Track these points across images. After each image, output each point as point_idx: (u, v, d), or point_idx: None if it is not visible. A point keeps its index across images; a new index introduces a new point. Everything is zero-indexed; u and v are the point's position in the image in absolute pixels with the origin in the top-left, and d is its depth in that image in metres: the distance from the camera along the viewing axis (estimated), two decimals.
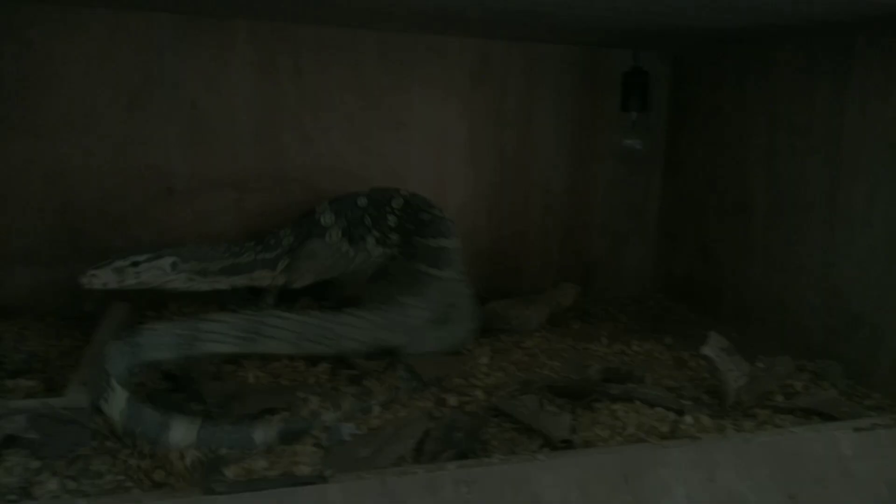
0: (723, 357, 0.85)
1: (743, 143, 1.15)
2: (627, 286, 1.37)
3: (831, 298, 0.99)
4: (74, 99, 1.07)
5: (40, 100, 1.05)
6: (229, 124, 1.14)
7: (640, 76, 1.25)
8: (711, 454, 0.68)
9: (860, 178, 0.94)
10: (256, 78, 1.14)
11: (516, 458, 0.65)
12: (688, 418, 0.77)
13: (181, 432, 0.66)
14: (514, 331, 1.08)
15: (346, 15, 1.08)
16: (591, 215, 1.34)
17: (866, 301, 0.94)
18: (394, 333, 0.92)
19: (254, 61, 1.14)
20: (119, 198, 1.10)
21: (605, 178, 1.33)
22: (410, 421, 0.72)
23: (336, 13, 1.06)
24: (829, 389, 0.90)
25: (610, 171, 1.33)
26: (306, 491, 0.55)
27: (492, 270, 1.29)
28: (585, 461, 0.64)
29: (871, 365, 0.92)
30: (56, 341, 0.96)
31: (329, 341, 0.88)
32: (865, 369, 0.93)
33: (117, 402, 0.67)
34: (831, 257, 0.99)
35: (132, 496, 0.57)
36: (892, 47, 0.90)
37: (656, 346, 1.05)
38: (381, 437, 0.69)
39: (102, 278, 0.91)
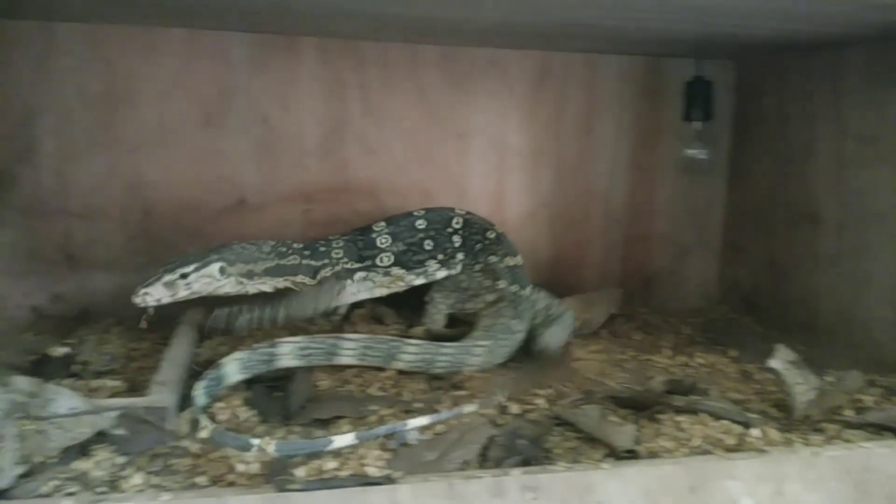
0: (790, 370, 0.84)
1: (810, 153, 1.13)
2: (690, 297, 1.35)
3: None
4: (154, 115, 1.13)
5: (122, 116, 1.12)
6: (297, 138, 1.19)
7: (703, 85, 1.25)
8: (780, 467, 0.67)
9: None
10: (323, 93, 1.18)
11: (581, 465, 0.65)
12: (755, 431, 0.76)
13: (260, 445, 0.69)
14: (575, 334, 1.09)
15: (408, 31, 1.11)
16: (652, 226, 1.33)
17: None
18: (504, 356, 0.96)
19: (321, 77, 1.18)
20: (194, 208, 1.16)
21: (666, 188, 1.32)
22: (474, 427, 0.74)
23: (399, 30, 1.09)
24: None
25: (672, 181, 1.32)
26: (376, 491, 0.57)
27: (552, 281, 1.29)
28: (651, 471, 0.64)
29: None
30: (135, 344, 1.01)
31: (448, 367, 0.91)
32: None
33: (205, 431, 0.71)
34: None
35: (212, 492, 0.60)
36: None
37: (721, 358, 1.04)
38: (445, 442, 0.71)
39: (155, 295, 0.91)
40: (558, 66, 1.25)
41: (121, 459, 0.68)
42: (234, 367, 0.83)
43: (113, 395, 0.81)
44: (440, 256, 1.07)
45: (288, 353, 0.87)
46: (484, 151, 1.25)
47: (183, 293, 0.93)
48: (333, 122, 1.20)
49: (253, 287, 0.99)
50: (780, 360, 0.84)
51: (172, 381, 0.79)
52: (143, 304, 0.90)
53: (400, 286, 1.07)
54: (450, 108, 1.23)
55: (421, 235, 1.07)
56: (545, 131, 1.27)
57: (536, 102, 1.26)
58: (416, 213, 1.08)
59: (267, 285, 1.00)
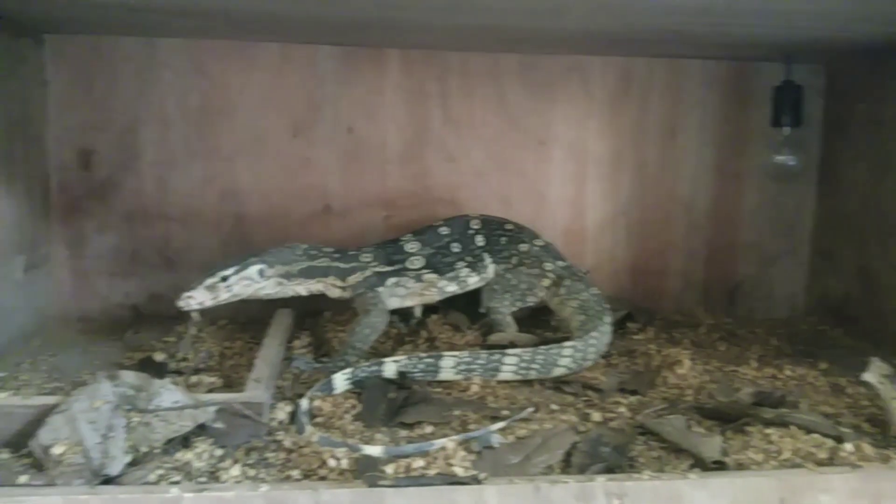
0: (885, 384, 0.81)
1: None
2: (776, 308, 1.31)
3: None
4: (247, 125, 1.18)
5: (218, 127, 1.18)
6: (380, 147, 1.22)
7: (792, 90, 1.21)
8: (876, 483, 0.65)
9: None
10: (406, 103, 1.21)
11: (667, 475, 0.65)
12: (848, 446, 0.74)
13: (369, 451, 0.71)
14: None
15: (491, 41, 1.13)
16: (737, 234, 1.30)
17: None
18: (596, 356, 0.98)
19: (404, 87, 1.21)
20: (283, 214, 1.21)
21: (753, 195, 1.29)
22: (557, 433, 0.74)
23: (482, 40, 1.11)
24: None
25: (758, 188, 1.29)
26: (464, 490, 0.58)
27: (631, 289, 1.28)
28: (740, 483, 0.63)
29: None
30: (229, 343, 1.06)
31: (547, 369, 0.92)
32: None
33: (310, 437, 0.73)
34: None
35: (307, 484, 0.62)
36: None
37: (810, 371, 1.01)
38: (528, 446, 0.72)
39: (198, 298, 0.93)
40: (641, 71, 1.24)
41: (219, 451, 0.72)
42: (390, 368, 0.87)
43: (210, 391, 0.86)
44: (468, 258, 1.08)
45: (451, 366, 0.89)
46: (563, 158, 1.26)
47: (224, 296, 0.95)
48: (415, 130, 1.22)
49: (291, 289, 1.01)
50: (875, 374, 0.81)
51: (266, 378, 0.83)
52: (186, 308, 0.94)
53: (432, 294, 1.08)
54: (530, 115, 1.24)
55: (447, 240, 1.09)
56: (626, 138, 1.26)
57: (618, 109, 1.25)
58: (435, 224, 1.11)
59: (303, 287, 1.02)
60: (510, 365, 0.91)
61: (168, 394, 0.74)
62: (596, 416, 0.83)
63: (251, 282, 0.97)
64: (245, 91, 1.17)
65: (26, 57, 1.08)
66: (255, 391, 0.78)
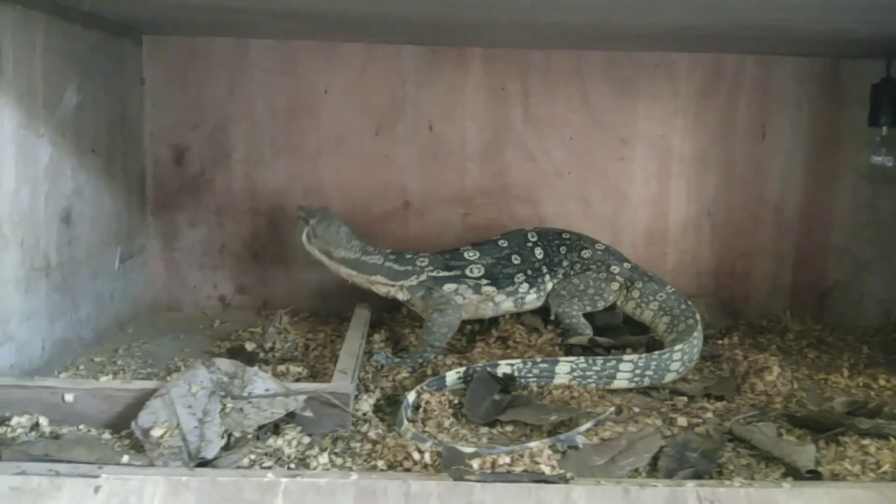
0: None
1: None
2: (868, 315, 1.25)
3: None
4: (331, 124, 1.21)
5: (303, 125, 1.21)
6: (460, 145, 1.23)
7: (892, 88, 1.15)
8: None
9: None
10: (486, 101, 1.21)
11: (760, 482, 0.63)
12: None
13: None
14: None
15: (575, 38, 1.12)
16: (828, 237, 1.25)
17: None
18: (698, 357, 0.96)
19: (485, 86, 1.21)
20: (364, 211, 1.23)
21: (846, 197, 1.23)
22: (643, 436, 0.73)
23: (566, 38, 1.10)
24: None
25: (852, 189, 1.23)
26: (551, 489, 0.58)
27: (714, 293, 1.25)
28: (838, 493, 0.61)
29: None
30: (311, 335, 1.09)
31: (660, 376, 0.90)
32: None
33: (408, 433, 0.74)
34: None
35: (396, 475, 0.63)
36: None
37: None
38: (614, 448, 0.71)
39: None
40: (730, 68, 1.21)
41: (306, 439, 0.74)
42: (504, 369, 0.87)
43: (297, 381, 0.88)
44: (528, 272, 1.06)
45: (566, 372, 0.88)
46: (646, 157, 1.23)
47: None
48: (495, 128, 1.22)
49: (334, 268, 1.05)
50: None
51: (351, 369, 0.84)
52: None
53: (486, 309, 1.05)
54: (612, 113, 1.22)
55: (506, 251, 1.06)
56: (713, 136, 1.23)
57: (704, 106, 1.22)
58: (494, 238, 1.09)
59: (342, 272, 1.04)
60: (625, 372, 0.88)
61: (260, 382, 0.76)
62: (681, 420, 0.81)
63: (306, 240, 1.05)
64: (330, 90, 1.20)
65: (126, 57, 1.13)
66: (342, 382, 0.80)
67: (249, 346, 1.00)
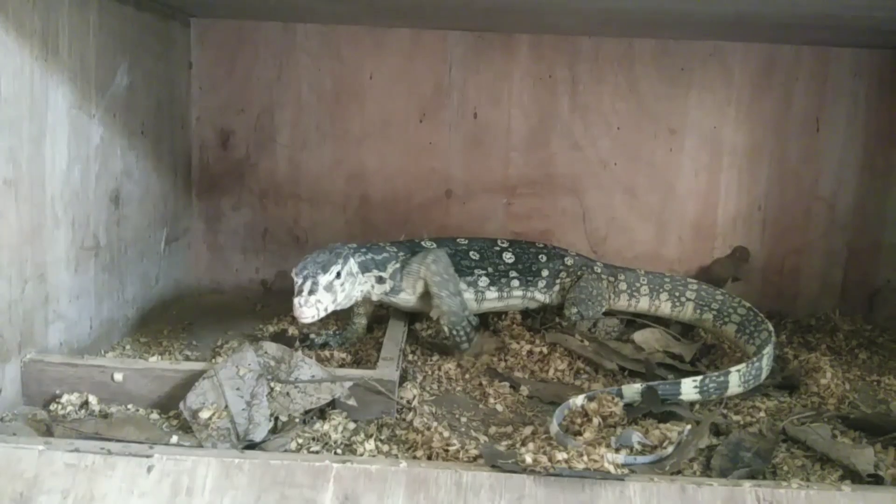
0: None
1: None
2: None
3: None
4: (376, 110, 1.20)
5: (348, 110, 1.20)
6: (504, 133, 1.21)
7: None
8: None
9: None
10: (533, 89, 1.20)
11: (819, 484, 0.61)
12: None
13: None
14: None
15: (627, 26, 1.09)
16: (882, 235, 1.21)
17: None
18: None
19: (532, 73, 1.19)
20: (406, 198, 1.22)
21: None
22: (697, 434, 0.71)
23: (618, 24, 1.08)
24: None
25: None
26: (606, 485, 0.57)
27: (763, 290, 1.22)
28: None
29: None
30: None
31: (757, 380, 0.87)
32: None
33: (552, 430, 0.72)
34: None
35: (446, 464, 0.63)
36: None
37: None
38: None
39: (324, 302, 0.84)
40: (785, 58, 1.17)
41: (351, 425, 0.74)
42: (687, 386, 0.81)
43: (341, 367, 0.88)
44: (489, 269, 1.01)
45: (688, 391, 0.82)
46: (696, 148, 1.21)
47: (340, 296, 0.86)
48: (540, 116, 1.21)
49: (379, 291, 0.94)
50: None
51: (395, 357, 0.84)
52: (315, 318, 0.83)
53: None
54: (662, 102, 1.19)
55: (464, 247, 1.02)
56: (765, 128, 1.19)
57: (758, 98, 1.19)
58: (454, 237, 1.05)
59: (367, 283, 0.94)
60: (736, 379, 0.83)
61: (306, 367, 0.76)
62: (734, 418, 0.79)
63: (355, 277, 0.90)
64: (376, 76, 1.19)
65: (174, 40, 1.13)
66: (387, 369, 0.79)
67: (292, 331, 1.00)
